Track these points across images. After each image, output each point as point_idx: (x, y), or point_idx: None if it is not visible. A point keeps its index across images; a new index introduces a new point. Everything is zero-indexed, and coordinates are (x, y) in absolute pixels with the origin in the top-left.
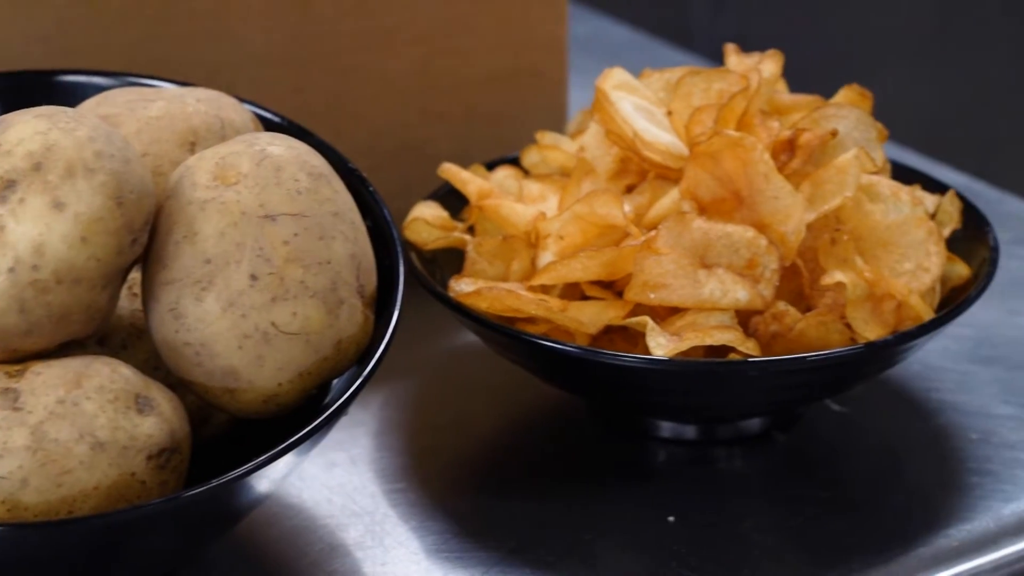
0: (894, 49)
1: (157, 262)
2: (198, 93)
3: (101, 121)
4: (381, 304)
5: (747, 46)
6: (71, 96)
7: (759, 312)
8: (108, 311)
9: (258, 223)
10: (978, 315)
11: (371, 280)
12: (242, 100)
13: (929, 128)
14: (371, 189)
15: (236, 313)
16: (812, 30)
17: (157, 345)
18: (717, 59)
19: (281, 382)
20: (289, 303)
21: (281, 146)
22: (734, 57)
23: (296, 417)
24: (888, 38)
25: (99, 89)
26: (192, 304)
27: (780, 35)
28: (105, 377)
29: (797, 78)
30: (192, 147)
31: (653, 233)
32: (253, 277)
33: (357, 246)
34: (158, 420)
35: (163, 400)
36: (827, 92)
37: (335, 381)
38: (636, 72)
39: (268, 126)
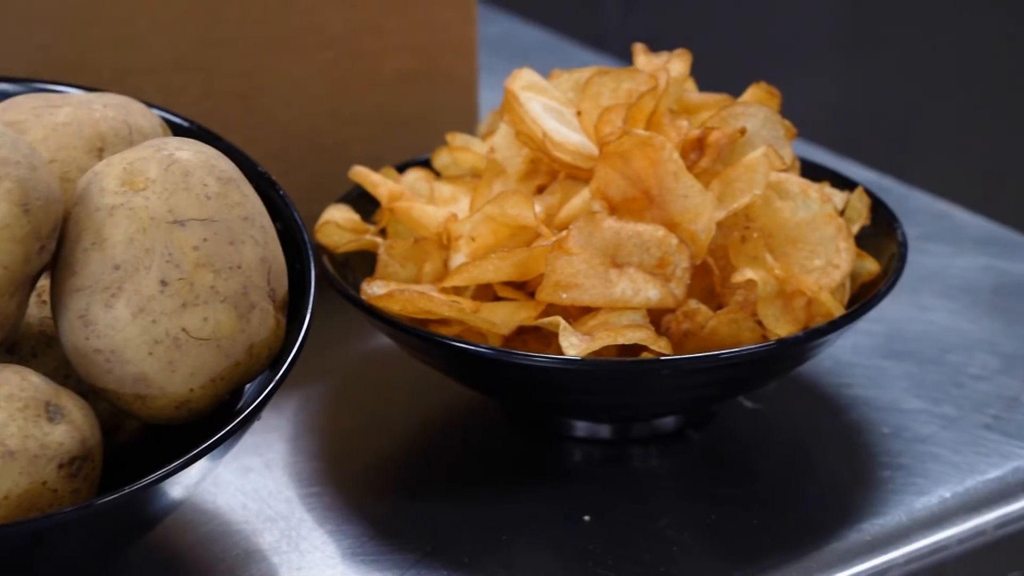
0: (802, 47)
1: (66, 269)
2: (105, 99)
3: (6, 128)
4: (293, 308)
5: (659, 46)
6: None
7: (671, 310)
8: (16, 319)
9: (167, 229)
10: (888, 310)
11: (282, 284)
12: (150, 105)
13: (838, 125)
14: (281, 192)
15: (146, 319)
16: (722, 29)
17: (67, 352)
18: (629, 59)
19: (193, 388)
20: (200, 308)
21: (189, 151)
22: (642, 57)
23: (209, 423)
24: (796, 36)
25: (4, 95)
26: (102, 311)
27: (690, 34)
28: (15, 385)
29: (706, 77)
30: (100, 153)
31: (564, 233)
32: (163, 283)
33: (267, 250)
34: (69, 428)
35: (74, 408)
36: (736, 91)
37: (248, 386)
38: (546, 73)
39: (176, 131)
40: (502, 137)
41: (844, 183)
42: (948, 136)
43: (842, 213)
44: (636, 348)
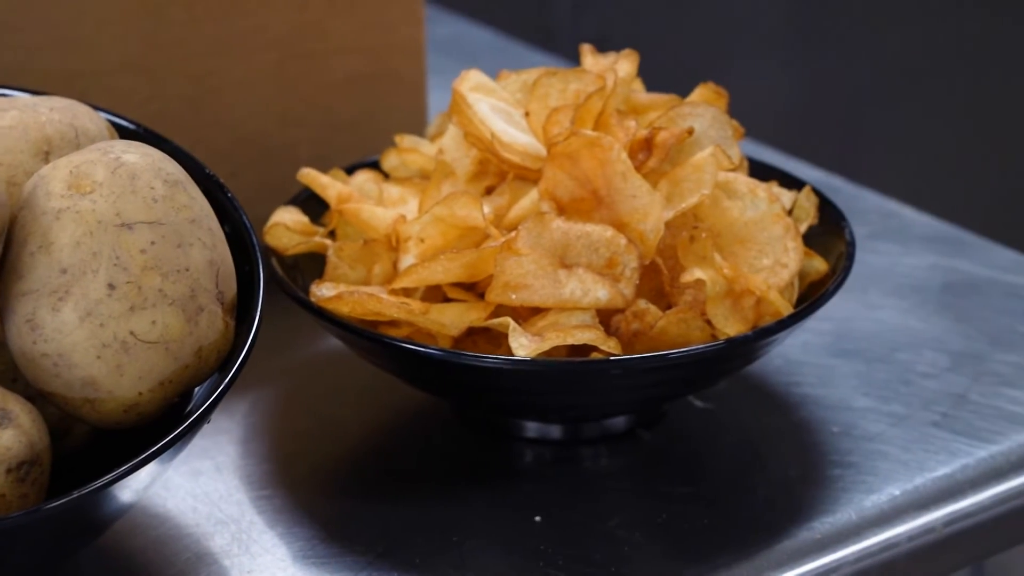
0: (750, 47)
1: (12, 273)
2: (52, 102)
3: None
4: (242, 310)
5: (608, 46)
6: None
7: (620, 311)
8: None
9: (114, 232)
10: (837, 309)
11: (231, 287)
12: (97, 108)
13: (787, 125)
14: (229, 195)
15: (94, 323)
16: (671, 29)
17: (15, 357)
18: (578, 60)
19: (142, 391)
20: (148, 312)
21: (136, 154)
22: (590, 57)
23: (158, 426)
24: (744, 36)
25: None
26: (49, 315)
27: (639, 34)
28: None
29: (654, 77)
30: (46, 156)
31: (513, 234)
32: (110, 286)
33: (216, 253)
34: (16, 432)
35: (22, 412)
36: (684, 91)
37: (197, 389)
38: (495, 74)
39: (123, 133)
40: (451, 138)
41: (792, 182)
42: (897, 134)
43: (790, 212)
44: (586, 348)
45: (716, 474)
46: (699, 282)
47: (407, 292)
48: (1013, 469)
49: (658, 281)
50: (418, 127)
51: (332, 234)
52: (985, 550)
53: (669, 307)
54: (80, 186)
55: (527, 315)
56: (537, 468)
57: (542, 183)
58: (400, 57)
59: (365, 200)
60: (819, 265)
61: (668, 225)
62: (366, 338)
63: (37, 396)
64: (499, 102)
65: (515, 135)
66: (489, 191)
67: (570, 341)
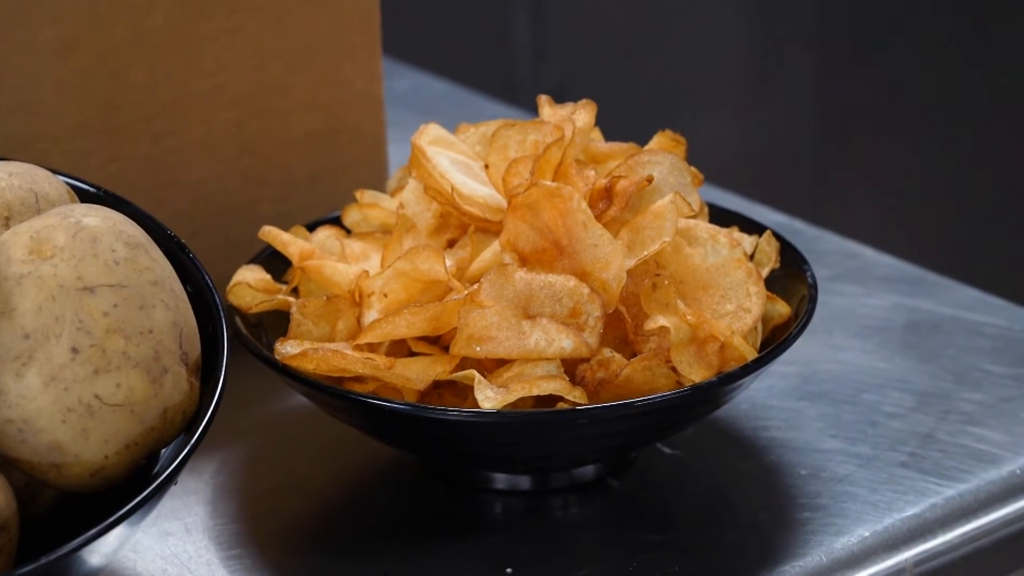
0: (708, 93)
1: None
2: (11, 167)
3: None
4: (207, 370)
5: (567, 96)
6: None
7: (585, 360)
8: None
9: (76, 295)
10: (801, 352)
11: (195, 347)
12: (56, 172)
13: (745, 170)
14: (191, 255)
15: (59, 387)
16: (628, 78)
17: None
18: (534, 110)
19: (108, 454)
20: (112, 374)
21: (97, 217)
22: (548, 108)
23: (126, 489)
24: (701, 82)
25: None
26: (13, 380)
27: (599, 84)
28: None
29: (613, 127)
30: (6, 222)
31: (476, 286)
32: (74, 350)
33: (178, 313)
34: None
35: None
36: (642, 139)
37: (163, 450)
38: (454, 126)
39: (84, 197)
40: (411, 192)
41: (753, 227)
42: (857, 176)
43: (752, 257)
44: (552, 399)
45: (686, 521)
46: (663, 329)
47: (372, 347)
48: (982, 507)
49: (622, 329)
50: (379, 182)
51: (295, 291)
52: None
53: (634, 355)
54: (41, 251)
55: (492, 367)
56: (507, 519)
57: (503, 235)
58: (359, 112)
59: (327, 256)
60: (782, 309)
61: (630, 273)
62: (332, 395)
63: (3, 462)
64: (458, 155)
65: (475, 187)
66: (451, 244)
67: (536, 392)
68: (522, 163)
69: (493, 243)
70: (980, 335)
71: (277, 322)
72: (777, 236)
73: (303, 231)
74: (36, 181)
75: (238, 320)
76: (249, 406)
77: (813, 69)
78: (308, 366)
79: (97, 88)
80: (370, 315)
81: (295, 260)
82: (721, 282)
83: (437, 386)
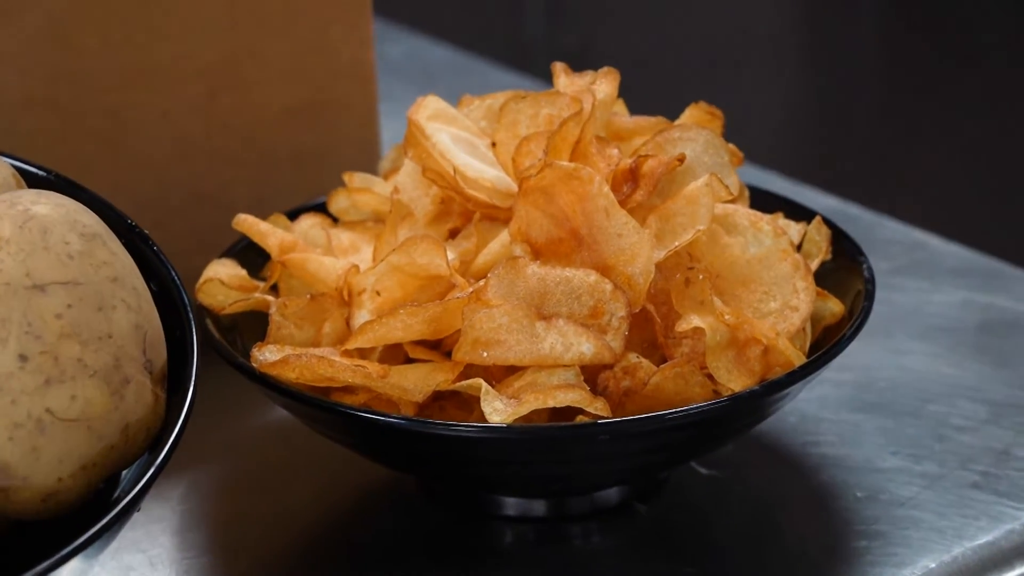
0: (747, 59)
1: None
2: None
3: None
4: (174, 380)
5: (587, 63)
6: None
7: (608, 367)
8: None
9: (25, 295)
10: (858, 356)
11: (160, 354)
12: (0, 153)
13: (792, 147)
14: (155, 248)
15: (4, 400)
16: (657, 43)
17: None
18: (549, 79)
19: (61, 476)
20: (66, 385)
21: (47, 205)
22: (564, 77)
23: (82, 516)
24: (740, 48)
25: None
26: None
27: (622, 50)
28: None
29: (639, 98)
30: None
31: (482, 283)
32: (22, 357)
33: (142, 315)
34: None
35: None
36: (672, 113)
37: (125, 472)
38: (456, 99)
39: (32, 182)
40: (407, 175)
41: (801, 213)
42: (921, 154)
43: (799, 247)
44: (570, 411)
45: (724, 551)
46: (697, 331)
47: (363, 353)
48: None
49: (650, 331)
50: (370, 163)
51: (275, 289)
52: None
53: (664, 361)
54: None
55: (501, 375)
56: (519, 550)
57: (513, 223)
58: (347, 83)
59: (311, 249)
60: (834, 307)
61: (659, 267)
62: (317, 407)
63: None
64: (462, 131)
65: (481, 169)
66: (453, 234)
67: (551, 404)
68: (534, 141)
69: (502, 233)
70: None
71: (254, 324)
72: (829, 223)
73: (283, 219)
74: None
75: (209, 322)
76: (223, 421)
77: (875, 28)
78: (290, 375)
79: (44, 57)
80: (361, 316)
81: (274, 253)
82: (764, 276)
83: (438, 397)
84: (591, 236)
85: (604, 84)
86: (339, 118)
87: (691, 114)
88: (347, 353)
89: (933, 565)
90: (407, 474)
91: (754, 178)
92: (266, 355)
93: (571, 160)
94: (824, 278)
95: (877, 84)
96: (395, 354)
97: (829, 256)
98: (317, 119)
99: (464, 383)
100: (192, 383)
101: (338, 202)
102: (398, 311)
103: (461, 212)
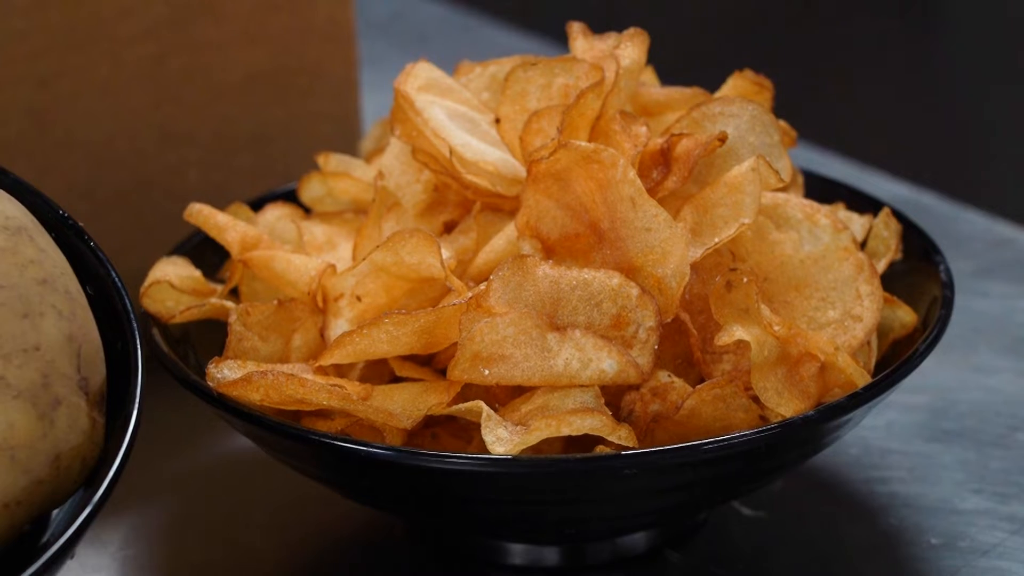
0: (802, 19)
1: None
2: None
3: None
4: (114, 402)
5: (611, 23)
6: None
7: (634, 387)
8: None
9: None
10: (933, 376)
11: (98, 370)
12: None
13: (855, 125)
14: (92, 244)
15: None
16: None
17: None
18: (564, 43)
19: None
20: None
21: None
22: (582, 40)
23: (5, 563)
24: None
25: None
26: None
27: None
28: None
29: (670, 65)
30: None
31: (483, 286)
32: None
33: (75, 324)
34: None
35: None
36: (711, 83)
37: (56, 512)
38: (451, 65)
39: None
40: (394, 157)
41: (865, 203)
42: (1009, 134)
43: (864, 245)
44: (588, 441)
45: None
46: (741, 344)
47: (340, 370)
48: None
49: (685, 345)
50: (349, 142)
51: (235, 293)
52: None
53: (701, 380)
54: None
55: (506, 397)
56: None
57: (521, 215)
58: (321, 46)
59: (278, 245)
60: (905, 316)
61: (696, 268)
62: (285, 435)
63: None
64: (459, 105)
65: (482, 150)
66: (449, 228)
67: (566, 431)
68: (546, 116)
69: (507, 226)
70: None
71: (210, 335)
72: (899, 216)
73: (245, 210)
74: None
75: (156, 333)
76: (173, 451)
77: None
78: (253, 396)
79: None
80: (338, 326)
81: (234, 250)
82: (821, 280)
83: (430, 423)
84: (614, 231)
85: (630, 48)
86: (312, 88)
87: (734, 84)
88: (321, 370)
89: None
90: (393, 515)
91: (810, 161)
92: (224, 372)
93: (590, 140)
94: (893, 281)
95: (957, 47)
96: (379, 371)
97: (899, 255)
98: (285, 89)
99: (461, 406)
100: (136, 406)
101: (311, 189)
102: (382, 320)
103: (458, 202)
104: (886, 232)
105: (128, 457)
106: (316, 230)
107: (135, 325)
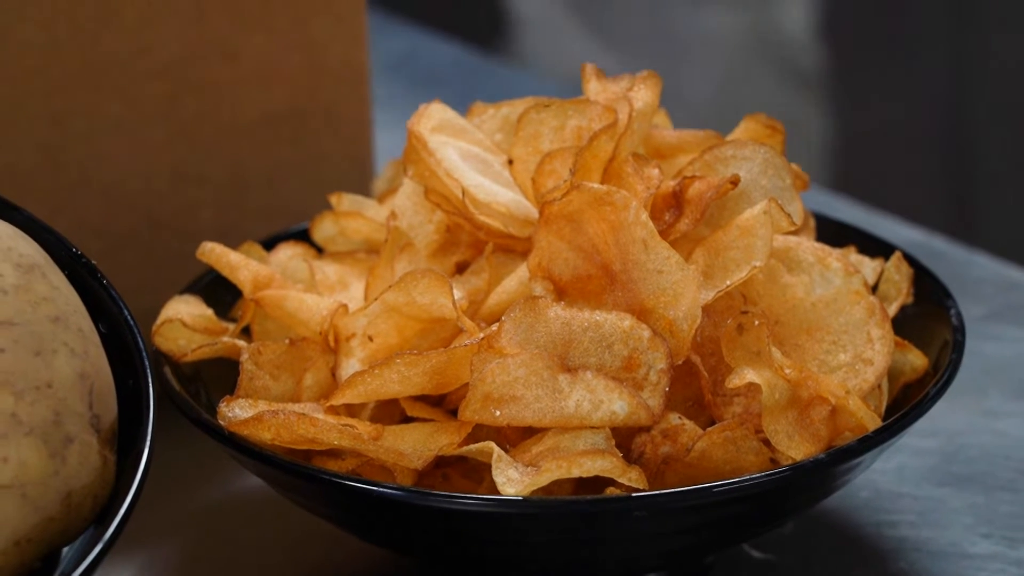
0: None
1: None
2: None
3: None
4: (126, 440)
5: (619, 66)
6: None
7: (645, 429)
8: None
9: None
10: (944, 420)
11: (109, 408)
12: None
13: (867, 168)
14: (104, 282)
15: None
16: (708, 40)
17: None
18: (576, 85)
19: None
20: None
21: None
22: (595, 82)
23: None
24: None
25: None
26: None
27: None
28: None
29: (684, 109)
30: None
31: (495, 327)
32: None
33: (88, 362)
34: None
35: None
36: (724, 126)
37: (66, 549)
38: (464, 106)
39: None
40: (406, 197)
41: (877, 247)
42: (1021, 181)
43: (875, 289)
44: (599, 482)
45: None
46: (752, 387)
47: (351, 410)
48: None
49: (696, 387)
50: (362, 182)
51: (246, 332)
52: None
53: (711, 423)
54: None
55: (517, 438)
56: None
57: (533, 256)
58: (335, 86)
59: (291, 285)
60: (916, 360)
61: (707, 310)
62: (296, 474)
63: None
64: (472, 146)
65: (494, 191)
66: (461, 268)
67: (577, 473)
68: (559, 158)
69: (519, 268)
70: None
71: (222, 374)
72: (910, 260)
73: (258, 249)
74: None
75: (168, 371)
76: (184, 490)
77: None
78: (264, 434)
79: None
80: (349, 365)
81: (246, 289)
82: (833, 323)
83: (441, 464)
84: (626, 273)
85: (643, 91)
86: (325, 128)
87: (746, 127)
88: (332, 410)
89: None
90: (403, 555)
91: (821, 205)
92: (236, 411)
93: (603, 181)
94: (905, 325)
95: (971, 89)
96: (390, 412)
97: (911, 299)
98: (298, 129)
99: (472, 447)
100: (147, 444)
101: (323, 229)
102: (394, 360)
103: (470, 242)
104: (897, 276)
105: (139, 495)
106: (328, 270)
107: (147, 363)
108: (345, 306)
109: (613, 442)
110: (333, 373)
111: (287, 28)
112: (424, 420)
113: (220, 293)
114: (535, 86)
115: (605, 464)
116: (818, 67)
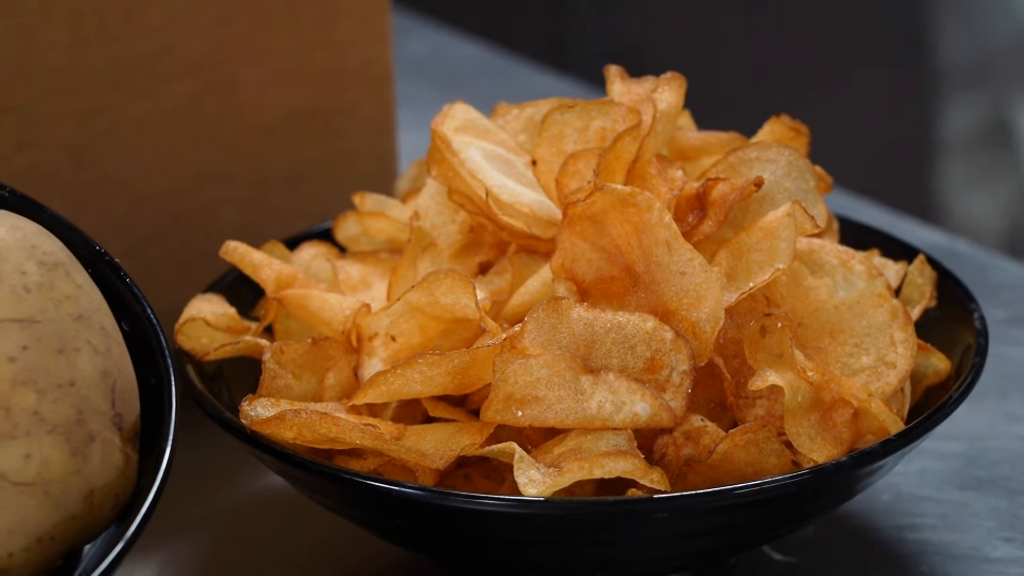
0: (839, 66)
1: None
2: None
3: None
4: (148, 439)
5: (645, 67)
6: None
7: (667, 431)
8: None
9: None
10: (966, 424)
11: (132, 407)
12: None
13: (891, 170)
14: (128, 280)
15: None
16: (728, 44)
17: None
18: (601, 85)
19: (12, 551)
20: (19, 442)
21: (1, 227)
22: (619, 83)
23: None
24: (829, 50)
25: None
26: None
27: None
28: None
29: (709, 109)
30: None
31: (517, 328)
32: None
33: (110, 360)
34: None
35: None
36: (748, 128)
37: (87, 547)
38: (488, 106)
39: None
40: (430, 197)
41: (901, 250)
42: None
43: (898, 292)
44: (621, 483)
45: None
46: (774, 389)
47: (373, 410)
48: None
49: (718, 389)
50: (385, 182)
51: (269, 331)
52: None
53: (734, 425)
54: None
55: (539, 439)
56: None
57: (556, 257)
58: (358, 87)
59: (313, 284)
60: (939, 363)
61: (730, 312)
62: (318, 474)
63: None
64: (495, 146)
65: (518, 192)
66: (484, 269)
67: (599, 474)
68: (583, 159)
69: (542, 268)
70: None
71: (244, 373)
72: (933, 263)
73: (281, 248)
74: None
75: (191, 370)
76: (206, 488)
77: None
78: (286, 434)
79: (2, 51)
80: (372, 365)
81: (269, 288)
82: (856, 326)
83: (463, 464)
84: (649, 274)
85: (667, 92)
86: (348, 128)
87: (771, 130)
88: (355, 409)
89: None
90: (424, 555)
91: (845, 207)
92: (258, 410)
93: (626, 183)
94: (928, 329)
95: (1000, 95)
96: (412, 411)
97: (934, 302)
98: (322, 129)
99: (494, 448)
100: (169, 442)
101: (346, 228)
102: (416, 360)
103: (493, 243)
104: (920, 279)
105: (161, 494)
106: (351, 269)
107: (169, 362)
108: (368, 306)
109: (635, 443)
110: (355, 373)
111: (311, 28)
112: (446, 420)
113: (243, 292)
114: (559, 87)
115: (627, 465)
116: None
